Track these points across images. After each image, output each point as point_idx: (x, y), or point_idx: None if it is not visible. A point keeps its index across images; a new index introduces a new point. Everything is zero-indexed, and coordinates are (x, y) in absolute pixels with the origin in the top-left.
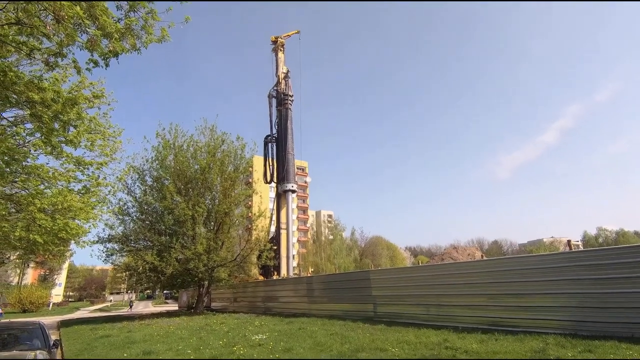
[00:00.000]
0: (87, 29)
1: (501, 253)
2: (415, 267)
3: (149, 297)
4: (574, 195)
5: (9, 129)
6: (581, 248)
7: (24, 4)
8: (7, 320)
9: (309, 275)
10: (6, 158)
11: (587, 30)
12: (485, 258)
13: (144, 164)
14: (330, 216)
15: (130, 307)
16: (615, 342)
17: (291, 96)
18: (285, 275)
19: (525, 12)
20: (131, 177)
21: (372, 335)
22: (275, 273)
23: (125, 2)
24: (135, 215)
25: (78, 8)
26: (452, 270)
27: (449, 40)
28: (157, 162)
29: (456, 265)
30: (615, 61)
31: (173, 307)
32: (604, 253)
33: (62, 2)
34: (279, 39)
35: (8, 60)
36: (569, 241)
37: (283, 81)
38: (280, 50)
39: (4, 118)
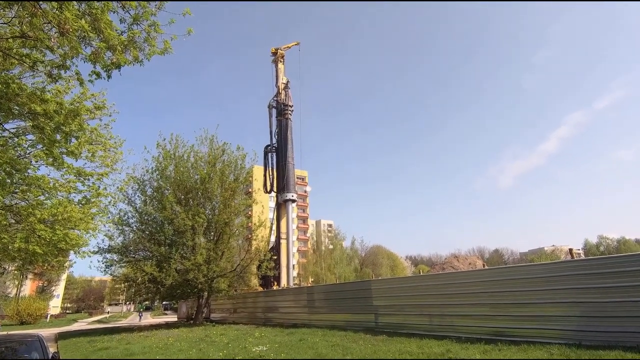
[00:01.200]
0: (91, 42)
1: (502, 262)
2: (417, 277)
3: (147, 309)
4: (575, 203)
5: (10, 141)
6: (582, 256)
7: (30, 18)
8: (5, 332)
9: (309, 285)
10: (8, 169)
11: (589, 37)
12: (486, 267)
13: (144, 174)
14: (330, 225)
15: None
16: (620, 351)
17: (291, 106)
18: (286, 285)
19: (526, 21)
20: (131, 188)
21: (374, 346)
22: (275, 283)
23: (129, 15)
24: (135, 226)
25: (83, 21)
26: (454, 279)
27: (450, 49)
28: (157, 172)
29: (458, 275)
30: (616, 69)
31: (172, 318)
32: (606, 261)
33: (67, 16)
34: (278, 51)
35: (11, 73)
36: (570, 249)
37: (283, 92)
38: (280, 61)
39: (6, 129)
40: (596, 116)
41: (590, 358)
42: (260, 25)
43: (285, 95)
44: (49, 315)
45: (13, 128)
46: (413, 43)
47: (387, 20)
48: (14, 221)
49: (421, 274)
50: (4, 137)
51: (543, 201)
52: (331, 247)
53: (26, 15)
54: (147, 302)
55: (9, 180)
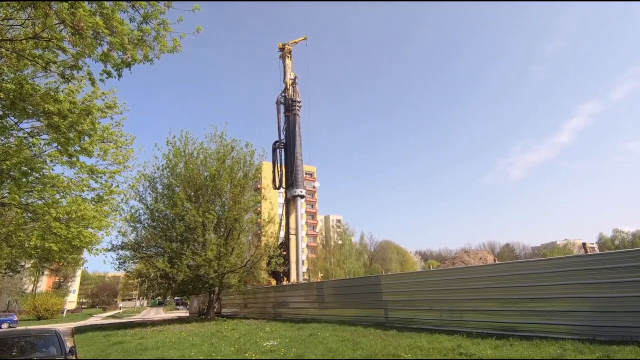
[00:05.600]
0: (104, 39)
1: (513, 256)
2: (427, 272)
3: (160, 304)
4: (589, 196)
5: (25, 140)
6: (597, 250)
7: (43, 19)
8: (24, 327)
9: (318, 280)
10: (23, 168)
11: (600, 27)
12: (497, 262)
13: (155, 172)
14: (339, 221)
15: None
16: (635, 346)
17: (299, 102)
18: (295, 280)
19: (537, 11)
20: (142, 185)
21: (384, 341)
22: (285, 278)
23: (139, 14)
24: (147, 223)
25: (97, 18)
26: (464, 274)
27: (458, 41)
28: (167, 169)
29: (468, 270)
30: (631, 58)
31: (184, 313)
32: (621, 255)
33: (81, 13)
34: (286, 46)
35: (24, 73)
36: (584, 244)
37: (291, 87)
38: (288, 56)
39: (21, 129)
40: (612, 106)
41: (604, 353)
42: (268, 21)
43: (293, 91)
44: (65, 310)
45: (28, 128)
46: (420, 34)
47: (394, 6)
48: (30, 219)
49: (431, 269)
50: (19, 137)
51: (556, 194)
52: (340, 242)
53: (39, 16)
54: (159, 298)
55: (24, 180)
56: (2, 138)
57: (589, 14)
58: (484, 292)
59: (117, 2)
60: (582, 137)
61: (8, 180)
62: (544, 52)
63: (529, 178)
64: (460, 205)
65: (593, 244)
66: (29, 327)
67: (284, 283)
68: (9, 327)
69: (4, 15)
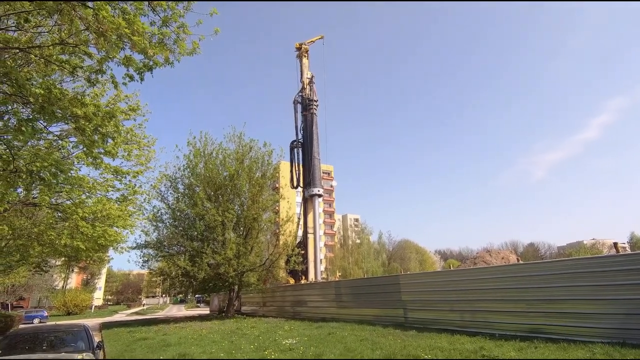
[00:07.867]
0: (130, 38)
1: (538, 256)
2: (447, 272)
3: (182, 301)
4: (620, 194)
5: (55, 143)
6: (628, 250)
7: (69, 25)
8: (53, 322)
9: (337, 279)
10: (53, 170)
11: (626, 20)
12: (521, 262)
13: (176, 172)
14: (356, 220)
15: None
16: None
17: (316, 101)
18: (314, 279)
19: (561, 6)
20: (164, 185)
21: (403, 341)
22: (303, 277)
23: (159, 18)
24: (169, 222)
25: (120, 19)
26: (487, 274)
27: (476, 37)
28: (188, 169)
29: (491, 270)
30: None
31: (205, 310)
32: None
33: (103, 15)
34: (303, 46)
35: (52, 78)
36: (615, 243)
37: (308, 86)
38: (305, 56)
39: (51, 132)
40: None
41: (635, 357)
42: (283, 23)
43: (310, 90)
44: (93, 307)
45: (57, 131)
46: (438, 29)
47: (413, 5)
48: (60, 219)
49: (451, 268)
50: (48, 139)
51: (583, 193)
52: (358, 241)
53: (65, 22)
54: (181, 295)
55: (54, 181)
56: (33, 141)
57: (611, 9)
58: (508, 293)
59: (138, 3)
60: (610, 132)
61: (38, 182)
62: (566, 46)
63: (553, 177)
64: (481, 203)
65: (624, 243)
66: (58, 323)
67: (302, 282)
68: (40, 322)
69: (34, 24)
